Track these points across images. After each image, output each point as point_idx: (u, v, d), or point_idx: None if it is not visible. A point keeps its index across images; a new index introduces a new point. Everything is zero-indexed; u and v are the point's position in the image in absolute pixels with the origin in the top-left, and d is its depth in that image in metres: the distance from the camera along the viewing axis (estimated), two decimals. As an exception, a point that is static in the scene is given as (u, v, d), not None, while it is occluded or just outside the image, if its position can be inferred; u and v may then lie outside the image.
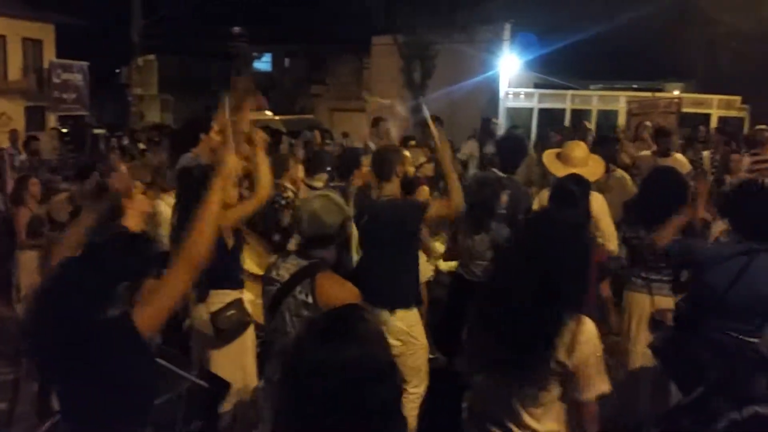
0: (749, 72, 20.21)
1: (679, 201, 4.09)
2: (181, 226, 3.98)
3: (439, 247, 5.78)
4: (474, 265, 4.72)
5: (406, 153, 5.01)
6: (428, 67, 21.45)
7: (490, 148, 7.47)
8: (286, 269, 3.00)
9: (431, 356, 4.38)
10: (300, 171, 5.75)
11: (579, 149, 4.98)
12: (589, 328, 2.18)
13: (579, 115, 18.43)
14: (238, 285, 3.93)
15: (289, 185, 5.38)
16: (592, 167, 4.90)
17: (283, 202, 5.09)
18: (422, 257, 4.75)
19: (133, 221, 3.58)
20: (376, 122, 8.15)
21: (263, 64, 34.47)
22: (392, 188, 4.16)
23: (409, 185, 4.88)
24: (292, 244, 4.28)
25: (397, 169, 4.16)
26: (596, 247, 4.17)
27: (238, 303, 3.81)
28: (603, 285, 4.30)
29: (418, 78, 21.62)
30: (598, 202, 4.63)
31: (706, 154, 7.41)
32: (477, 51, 20.74)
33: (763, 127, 9.21)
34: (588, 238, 2.35)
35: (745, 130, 16.18)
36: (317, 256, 3.02)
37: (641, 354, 4.12)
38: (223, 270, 3.62)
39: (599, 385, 2.20)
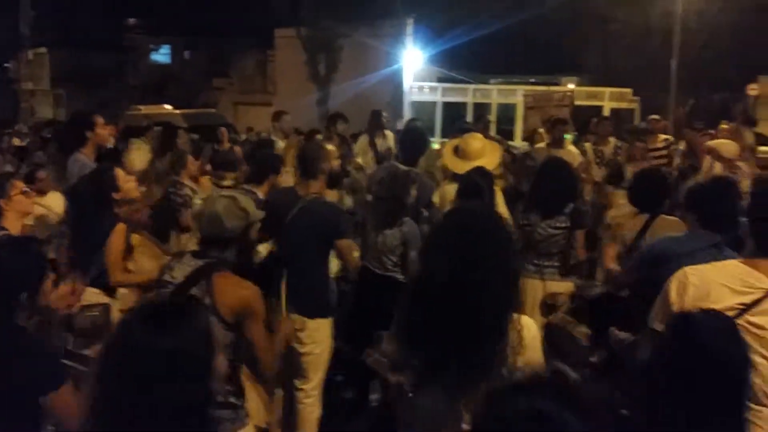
0: (639, 66, 21.39)
1: (568, 190, 4.30)
2: (73, 246, 3.84)
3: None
4: (386, 259, 4.68)
5: (330, 148, 4.98)
6: (333, 61, 21.46)
7: (381, 142, 7.50)
8: (180, 270, 2.88)
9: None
10: (196, 168, 5.62)
11: (476, 141, 5.11)
12: (531, 325, 2.13)
13: (480, 109, 18.91)
14: (111, 291, 3.80)
15: (188, 182, 5.26)
16: (489, 157, 5.04)
17: (180, 200, 4.97)
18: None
19: (12, 223, 3.40)
20: (277, 116, 8.09)
21: (162, 56, 33.27)
22: (317, 186, 4.12)
23: (333, 181, 4.86)
24: (190, 244, 4.18)
25: (322, 165, 4.13)
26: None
27: (104, 307, 3.66)
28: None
29: (323, 71, 21.58)
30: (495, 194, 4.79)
31: (588, 145, 7.80)
32: (381, 45, 20.92)
33: (655, 117, 9.79)
34: (508, 229, 2.25)
35: (636, 120, 17.15)
36: (214, 257, 2.91)
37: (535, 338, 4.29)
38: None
39: None
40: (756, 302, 2.28)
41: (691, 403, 1.79)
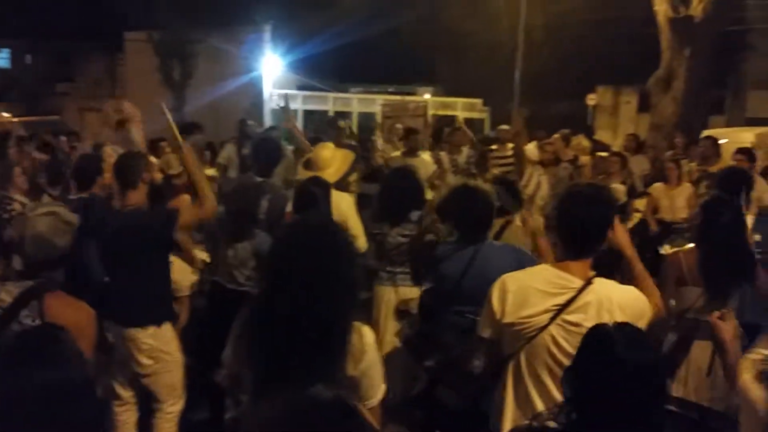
0: (488, 77, 22.48)
1: (414, 198, 4.42)
2: None
3: (201, 255, 5.59)
4: (238, 273, 4.58)
5: (152, 159, 4.76)
6: (188, 67, 20.79)
7: (248, 151, 7.35)
8: (7, 292, 2.70)
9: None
10: (23, 180, 5.20)
11: (326, 150, 5.09)
12: (368, 332, 2.15)
13: (341, 117, 19.05)
14: None
15: (18, 197, 4.86)
16: (336, 165, 5.03)
17: (6, 216, 4.57)
18: (185, 267, 4.56)
19: None
20: (119, 125, 7.67)
21: (1, 60, 31.04)
22: (138, 197, 3.93)
23: (157, 193, 4.65)
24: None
25: (143, 175, 3.95)
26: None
27: None
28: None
29: (177, 77, 20.85)
30: (346, 202, 4.80)
31: (443, 154, 8.05)
32: (239, 51, 20.53)
33: (504, 127, 10.31)
34: (345, 239, 2.24)
35: (486, 129, 18.00)
36: (44, 276, 2.76)
37: (390, 342, 4.37)
38: None
39: (381, 387, 2.19)
40: (569, 301, 2.44)
41: (610, 415, 1.81)
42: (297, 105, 20.21)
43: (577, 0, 20.86)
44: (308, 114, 19.86)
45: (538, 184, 6.76)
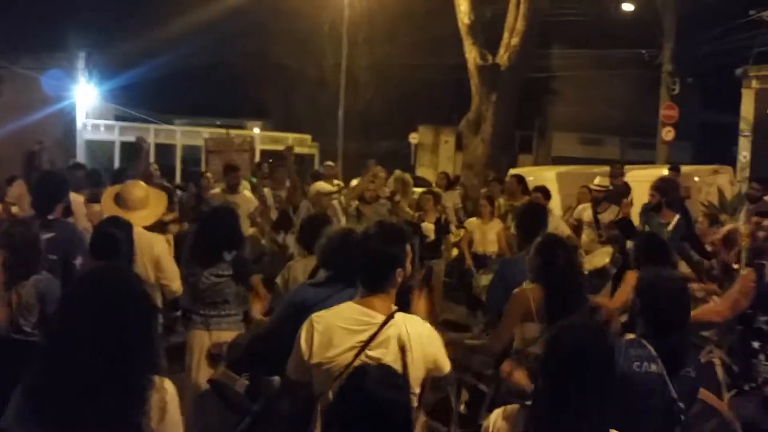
0: (317, 113, 22.85)
1: (228, 238, 4.34)
2: None
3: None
4: (23, 320, 4.16)
5: None
6: (-10, 94, 19.01)
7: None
8: None
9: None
10: None
11: (138, 189, 4.76)
12: (170, 387, 2.09)
13: (164, 150, 18.38)
14: None
15: None
16: (153, 207, 4.79)
17: None
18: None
19: None
20: None
21: None
22: None
23: None
24: None
25: None
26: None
27: None
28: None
29: (-21, 104, 18.99)
30: (160, 244, 4.60)
31: (267, 190, 7.98)
32: (50, 79, 19.18)
33: (330, 163, 10.44)
34: (137, 286, 2.17)
35: (316, 165, 18.19)
36: None
37: (203, 387, 4.20)
38: None
39: None
40: (372, 337, 2.49)
41: None
42: (114, 136, 19.21)
43: (399, 44, 21.91)
44: (126, 146, 18.94)
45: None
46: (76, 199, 5.43)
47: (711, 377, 3.16)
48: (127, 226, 4.01)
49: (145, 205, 4.73)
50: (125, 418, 1.96)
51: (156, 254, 4.46)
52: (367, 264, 2.62)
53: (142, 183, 4.99)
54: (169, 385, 2.11)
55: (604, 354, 2.08)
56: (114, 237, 3.76)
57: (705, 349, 3.25)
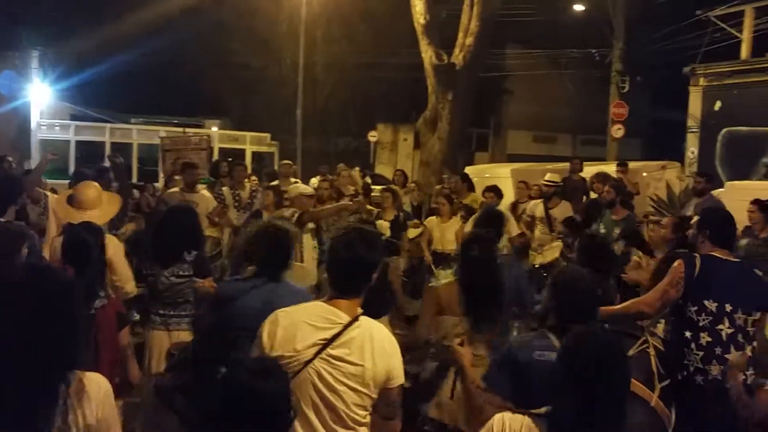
0: (276, 112, 22.77)
1: (188, 238, 4.39)
2: None
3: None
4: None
5: None
6: (-62, 93, 18.55)
7: None
8: None
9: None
10: None
11: (91, 190, 4.78)
12: (98, 378, 2.07)
13: (120, 149, 18.14)
14: None
15: None
16: (106, 208, 4.82)
17: None
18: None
19: None
20: None
21: None
22: None
23: None
24: None
25: None
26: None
27: None
28: (122, 333, 4.07)
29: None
30: (113, 246, 4.61)
31: (225, 189, 7.99)
32: (3, 79, 18.80)
33: (287, 162, 10.45)
34: (70, 284, 2.15)
35: (275, 163, 18.16)
36: None
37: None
38: None
39: None
40: (335, 336, 2.56)
41: None
42: (69, 135, 18.90)
43: (357, 43, 21.99)
44: (82, 145, 18.65)
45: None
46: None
47: (645, 367, 3.31)
48: (98, 231, 4.02)
49: (97, 205, 4.74)
50: (26, 421, 1.85)
51: (109, 255, 4.40)
52: (346, 270, 2.64)
53: (95, 184, 4.97)
54: (95, 376, 2.06)
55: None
56: (86, 243, 3.71)
57: (640, 339, 3.41)
